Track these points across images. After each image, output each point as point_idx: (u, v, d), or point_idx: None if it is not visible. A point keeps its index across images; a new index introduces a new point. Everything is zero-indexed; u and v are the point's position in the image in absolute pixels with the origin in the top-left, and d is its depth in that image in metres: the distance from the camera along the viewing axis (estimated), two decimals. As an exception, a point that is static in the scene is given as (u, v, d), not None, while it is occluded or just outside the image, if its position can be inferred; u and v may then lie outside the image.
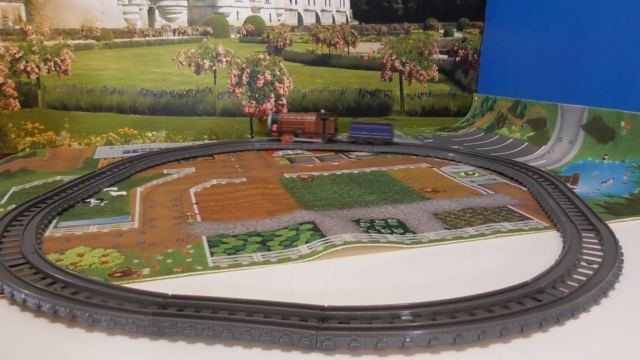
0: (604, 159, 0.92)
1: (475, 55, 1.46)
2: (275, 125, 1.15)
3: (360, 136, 1.13)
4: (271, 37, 1.34)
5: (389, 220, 0.68)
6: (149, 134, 1.26)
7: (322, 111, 1.14)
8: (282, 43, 1.34)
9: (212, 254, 0.58)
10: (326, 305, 0.42)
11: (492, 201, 0.76)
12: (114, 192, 0.82)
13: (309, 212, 0.70)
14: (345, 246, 0.58)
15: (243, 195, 0.80)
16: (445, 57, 1.45)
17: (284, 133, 1.15)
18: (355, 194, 0.80)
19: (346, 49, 1.40)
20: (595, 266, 0.51)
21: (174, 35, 1.28)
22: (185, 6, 1.28)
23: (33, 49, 1.17)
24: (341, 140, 1.15)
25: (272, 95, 1.32)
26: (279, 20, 1.35)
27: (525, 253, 0.59)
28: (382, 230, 0.64)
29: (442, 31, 1.45)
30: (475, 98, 1.45)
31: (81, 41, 1.21)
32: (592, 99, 1.03)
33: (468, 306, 0.43)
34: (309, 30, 1.37)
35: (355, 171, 0.94)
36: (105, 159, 1.07)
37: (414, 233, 0.64)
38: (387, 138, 1.11)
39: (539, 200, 0.74)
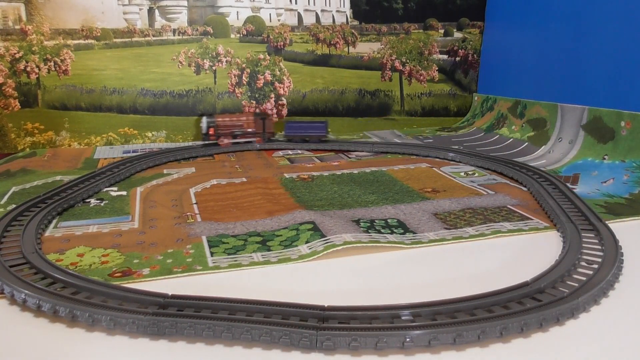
0: (604, 159, 0.92)
1: (475, 55, 1.45)
2: (212, 129, 1.11)
3: (295, 134, 1.15)
4: (271, 37, 1.34)
5: (389, 220, 0.68)
6: (149, 134, 1.26)
7: (257, 111, 1.14)
8: (282, 43, 1.34)
9: (212, 254, 0.58)
10: (326, 305, 0.42)
11: (492, 201, 0.76)
12: (114, 192, 0.82)
13: (309, 212, 0.70)
14: (345, 246, 0.58)
15: (243, 195, 0.80)
16: (445, 57, 1.45)
17: (221, 136, 1.12)
18: (355, 194, 0.80)
19: (346, 49, 1.40)
20: (595, 266, 0.51)
21: (174, 35, 1.28)
22: (185, 6, 1.28)
23: (33, 49, 1.17)
24: (279, 140, 1.17)
25: (272, 95, 1.32)
26: (279, 20, 1.35)
27: (525, 253, 0.59)
28: (382, 230, 0.64)
29: (442, 31, 1.45)
30: (475, 98, 1.45)
31: (81, 41, 1.21)
32: (592, 99, 1.03)
33: (468, 306, 0.43)
34: (309, 30, 1.37)
35: (355, 171, 0.94)
36: (105, 159, 1.07)
37: (414, 233, 0.64)
38: (321, 135, 1.14)
39: (539, 200, 0.74)
